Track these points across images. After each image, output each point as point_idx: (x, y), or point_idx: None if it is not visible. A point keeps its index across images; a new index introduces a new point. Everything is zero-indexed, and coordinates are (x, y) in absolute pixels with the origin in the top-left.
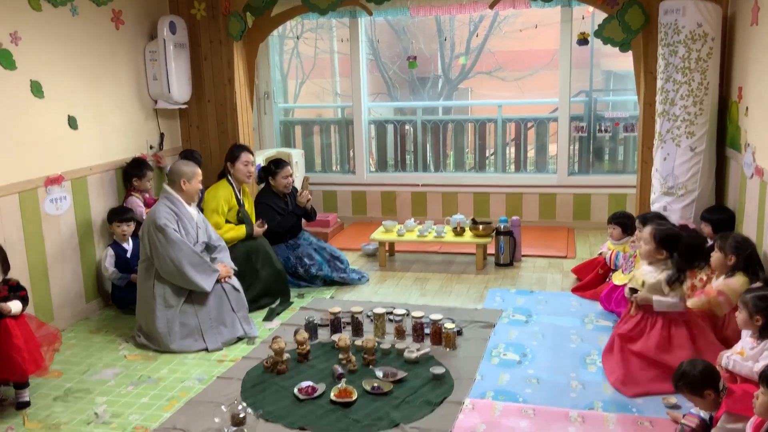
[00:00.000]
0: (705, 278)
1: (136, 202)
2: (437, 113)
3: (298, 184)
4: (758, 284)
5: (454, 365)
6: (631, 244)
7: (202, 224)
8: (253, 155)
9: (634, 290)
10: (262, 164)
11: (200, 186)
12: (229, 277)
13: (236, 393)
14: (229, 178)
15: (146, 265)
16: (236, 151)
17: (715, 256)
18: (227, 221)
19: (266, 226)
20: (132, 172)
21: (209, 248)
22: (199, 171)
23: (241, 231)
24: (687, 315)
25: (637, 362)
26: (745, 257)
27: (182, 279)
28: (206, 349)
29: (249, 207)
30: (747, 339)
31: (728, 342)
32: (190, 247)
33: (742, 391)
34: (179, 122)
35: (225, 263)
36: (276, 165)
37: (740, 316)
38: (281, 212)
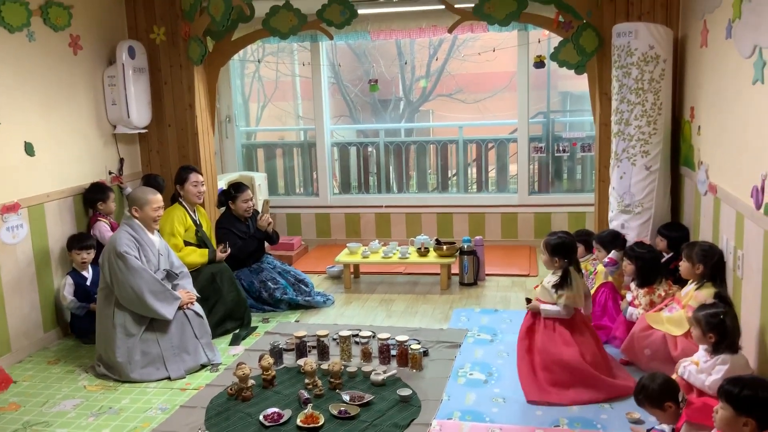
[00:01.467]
0: (663, 293)
1: (104, 228)
2: (399, 135)
3: (260, 207)
4: (711, 301)
5: (420, 387)
6: (591, 262)
7: (164, 251)
8: (201, 175)
9: (528, 300)
10: (224, 188)
11: (156, 213)
12: (192, 303)
13: (200, 422)
14: (181, 200)
15: (106, 293)
16: (184, 172)
17: (684, 266)
18: (187, 243)
19: (229, 251)
20: (95, 197)
21: (170, 276)
22: (154, 198)
23: (203, 255)
24: (571, 318)
25: (532, 364)
26: (712, 265)
27: (143, 307)
28: (169, 378)
29: (207, 228)
30: (702, 351)
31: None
32: (150, 274)
33: (702, 402)
34: (139, 147)
35: (187, 289)
36: (236, 189)
37: (694, 332)
38: (242, 236)
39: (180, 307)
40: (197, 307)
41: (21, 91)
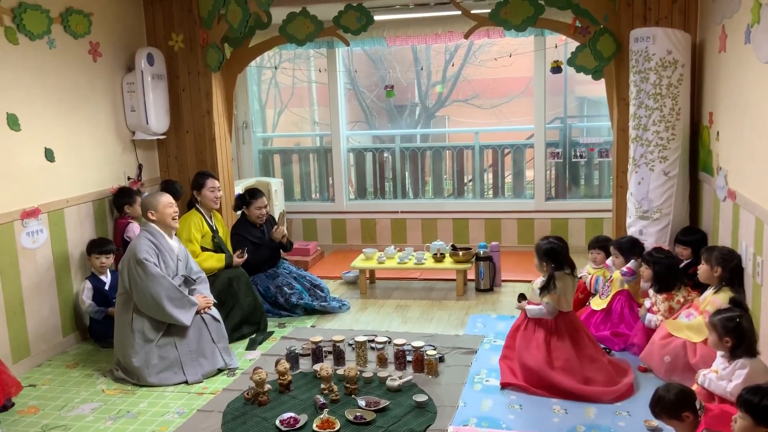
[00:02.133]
0: (682, 300)
1: (137, 227)
2: (415, 141)
3: (276, 215)
4: (726, 305)
5: (436, 392)
6: (608, 268)
7: (183, 257)
8: (218, 180)
9: (523, 296)
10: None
11: (171, 210)
12: (209, 308)
13: (217, 426)
14: (197, 206)
15: (124, 298)
16: (201, 178)
17: (702, 269)
18: (204, 248)
19: (246, 256)
20: (123, 200)
21: (188, 282)
22: (166, 199)
23: (220, 260)
24: (553, 321)
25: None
26: (731, 269)
27: (161, 313)
28: (186, 382)
29: (223, 234)
30: (720, 358)
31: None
32: (169, 281)
33: (720, 409)
34: (157, 153)
35: (204, 294)
36: (251, 195)
37: (711, 337)
38: (257, 242)
39: (197, 312)
40: (214, 312)
41: (41, 97)
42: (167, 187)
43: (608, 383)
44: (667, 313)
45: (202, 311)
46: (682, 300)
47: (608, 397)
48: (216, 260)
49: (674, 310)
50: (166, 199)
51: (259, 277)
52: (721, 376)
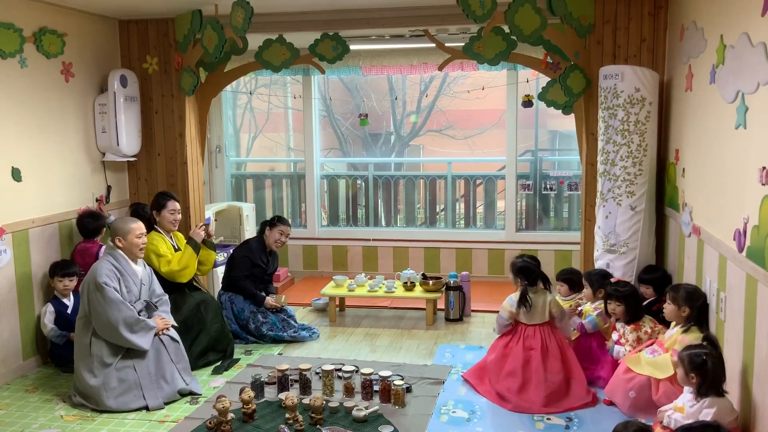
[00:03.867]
0: (650, 330)
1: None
2: (389, 169)
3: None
4: (699, 340)
5: (403, 423)
6: (578, 300)
7: (146, 281)
8: (179, 203)
9: None
10: (213, 218)
11: (140, 240)
12: (167, 329)
13: None
14: (156, 227)
15: (84, 321)
16: (162, 199)
17: (669, 308)
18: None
19: (204, 225)
20: (97, 224)
21: (149, 307)
22: (135, 225)
23: (186, 249)
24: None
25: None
26: (698, 308)
27: (118, 338)
28: (147, 408)
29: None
30: (687, 395)
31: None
32: (127, 307)
33: None
34: (127, 175)
35: (163, 316)
36: (279, 219)
37: (678, 372)
38: (258, 265)
39: (156, 334)
40: (173, 333)
41: (11, 116)
42: (137, 210)
43: (537, 398)
44: (635, 343)
45: (160, 333)
46: (649, 331)
47: (530, 410)
48: (182, 253)
49: (642, 341)
50: (138, 228)
51: (238, 297)
52: (688, 415)
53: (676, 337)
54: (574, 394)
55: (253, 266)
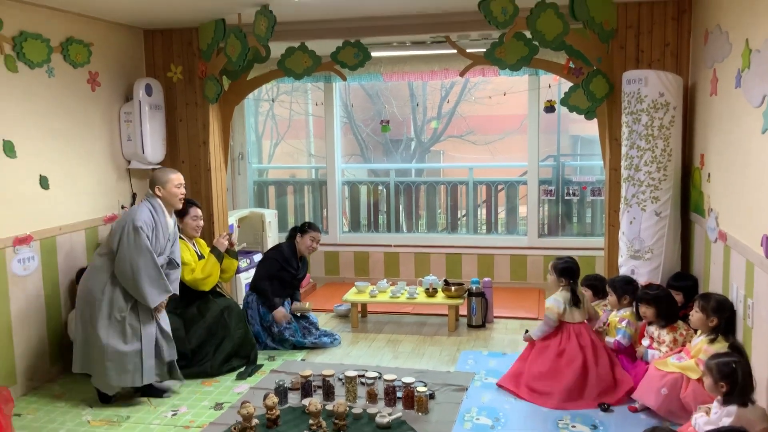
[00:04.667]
0: (684, 332)
1: None
2: (410, 175)
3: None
4: (725, 350)
5: (426, 430)
6: (603, 308)
7: (172, 238)
8: (200, 209)
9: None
10: (235, 225)
11: (179, 191)
12: (161, 310)
13: None
14: (180, 234)
15: (103, 260)
16: (184, 205)
17: (696, 317)
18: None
19: (227, 235)
20: None
21: (171, 264)
22: (175, 176)
23: (209, 258)
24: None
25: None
26: (726, 318)
27: (134, 286)
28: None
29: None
30: (715, 402)
31: None
32: (154, 259)
33: None
34: None
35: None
36: (310, 225)
37: (706, 381)
38: (287, 270)
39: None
40: (165, 324)
41: (39, 125)
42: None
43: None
44: (672, 344)
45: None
46: (684, 333)
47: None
48: (205, 261)
49: (678, 343)
50: (177, 179)
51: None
52: (709, 421)
53: (701, 347)
54: (622, 383)
55: (282, 269)
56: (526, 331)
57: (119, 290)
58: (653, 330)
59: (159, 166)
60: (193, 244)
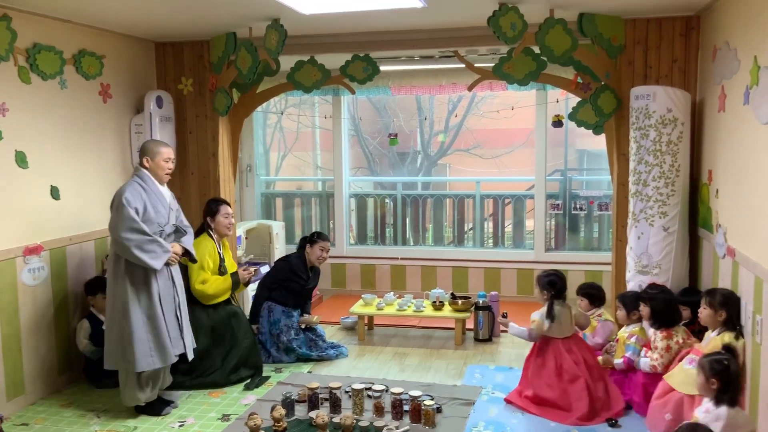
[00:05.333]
0: (681, 341)
1: None
2: (416, 188)
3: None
4: (719, 349)
5: None
6: (597, 318)
7: (174, 206)
8: (230, 207)
9: (506, 315)
10: (244, 236)
11: (167, 165)
12: (176, 254)
13: None
14: (210, 232)
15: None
16: (214, 205)
17: (705, 313)
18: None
19: (253, 272)
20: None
21: (179, 231)
22: (165, 149)
23: (227, 280)
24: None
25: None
26: (735, 312)
27: (131, 255)
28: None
29: (229, 261)
30: (704, 405)
31: None
32: (139, 226)
33: None
34: None
35: (183, 244)
36: (318, 235)
37: (699, 379)
38: (300, 279)
39: (167, 263)
40: (184, 299)
41: (50, 136)
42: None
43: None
44: (664, 351)
45: (171, 260)
46: (681, 342)
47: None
48: (222, 281)
49: (671, 350)
50: (167, 152)
51: (277, 306)
52: (704, 420)
53: (715, 343)
54: (614, 401)
55: (289, 279)
56: (505, 315)
57: (129, 273)
58: (651, 334)
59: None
60: (219, 244)
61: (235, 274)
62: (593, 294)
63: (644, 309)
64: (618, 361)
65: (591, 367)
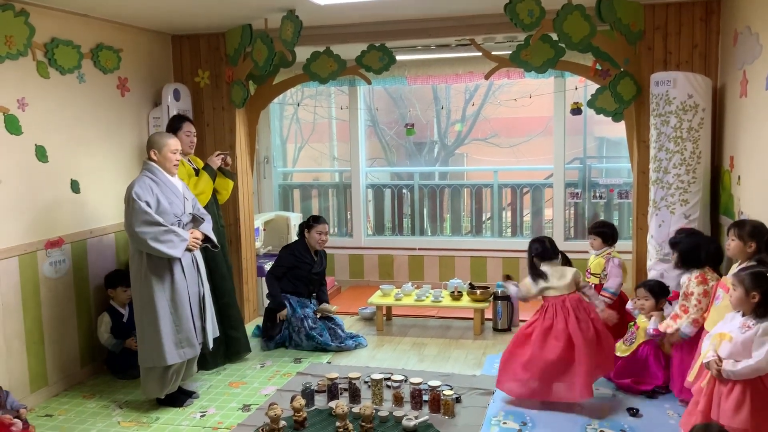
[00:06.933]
0: (715, 282)
1: None
2: (434, 178)
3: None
4: (752, 263)
5: None
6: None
7: (189, 196)
8: (193, 125)
9: (509, 277)
10: (262, 228)
11: (174, 156)
12: (197, 240)
13: None
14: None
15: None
16: (177, 122)
17: (734, 245)
18: None
19: (226, 156)
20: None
21: (196, 220)
22: (173, 142)
23: (203, 177)
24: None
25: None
26: (765, 242)
27: (148, 248)
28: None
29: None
30: (737, 320)
31: None
32: (151, 217)
33: None
34: None
35: (201, 231)
36: (314, 219)
37: (735, 294)
38: (305, 263)
39: (188, 249)
40: (208, 287)
41: (70, 130)
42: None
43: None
44: (702, 297)
45: (192, 247)
46: (715, 282)
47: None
48: (204, 182)
49: (708, 295)
50: (174, 144)
51: (292, 298)
52: (737, 343)
53: None
54: (610, 353)
55: (295, 267)
56: (509, 277)
57: (152, 268)
58: (681, 299)
59: None
60: (189, 161)
61: (207, 167)
62: (606, 233)
63: (673, 256)
64: (649, 329)
65: (581, 322)
